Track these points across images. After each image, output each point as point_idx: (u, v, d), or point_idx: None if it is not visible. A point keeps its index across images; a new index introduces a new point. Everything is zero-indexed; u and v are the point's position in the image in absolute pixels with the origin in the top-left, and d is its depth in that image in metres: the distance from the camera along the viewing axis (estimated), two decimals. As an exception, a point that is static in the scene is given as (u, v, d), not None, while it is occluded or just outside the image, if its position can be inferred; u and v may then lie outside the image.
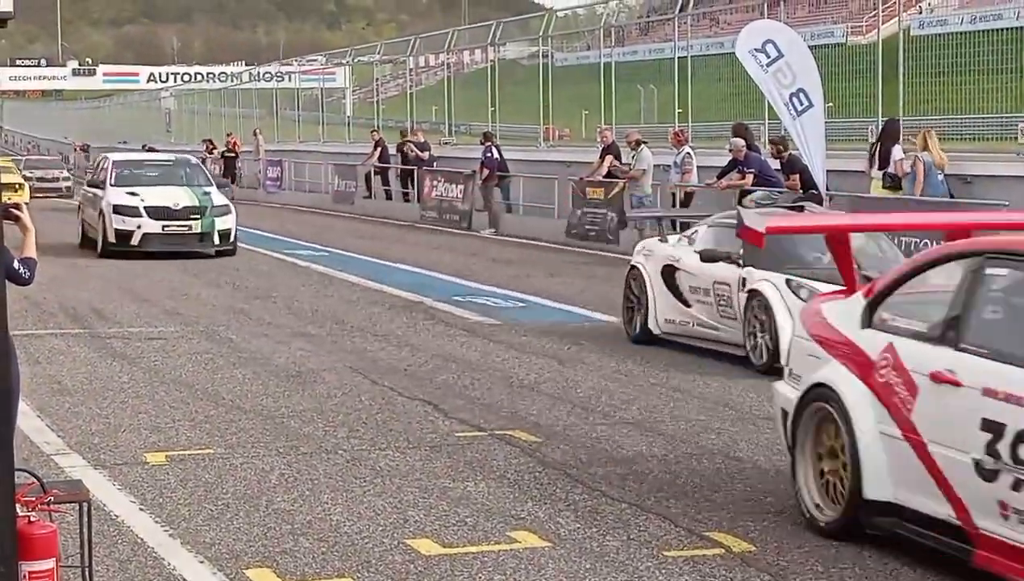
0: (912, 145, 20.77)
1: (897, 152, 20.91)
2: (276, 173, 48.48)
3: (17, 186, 42.68)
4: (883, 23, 24.09)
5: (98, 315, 17.57)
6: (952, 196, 19.86)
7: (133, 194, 25.64)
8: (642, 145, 25.04)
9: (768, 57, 21.48)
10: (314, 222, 35.07)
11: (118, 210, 25.29)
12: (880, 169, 20.90)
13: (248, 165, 52.23)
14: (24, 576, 5.90)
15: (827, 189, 21.38)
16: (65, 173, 55.85)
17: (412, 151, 35.86)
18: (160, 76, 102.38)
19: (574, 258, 24.64)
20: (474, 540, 7.73)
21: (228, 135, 53.80)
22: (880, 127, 21.93)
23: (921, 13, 27.53)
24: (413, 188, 35.60)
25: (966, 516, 6.83)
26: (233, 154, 52.75)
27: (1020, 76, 20.85)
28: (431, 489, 8.82)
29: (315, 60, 59.74)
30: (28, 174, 49.91)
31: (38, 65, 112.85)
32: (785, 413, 8.15)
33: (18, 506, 6.00)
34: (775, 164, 22.88)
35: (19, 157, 66.48)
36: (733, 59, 22.55)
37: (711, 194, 24.66)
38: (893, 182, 20.63)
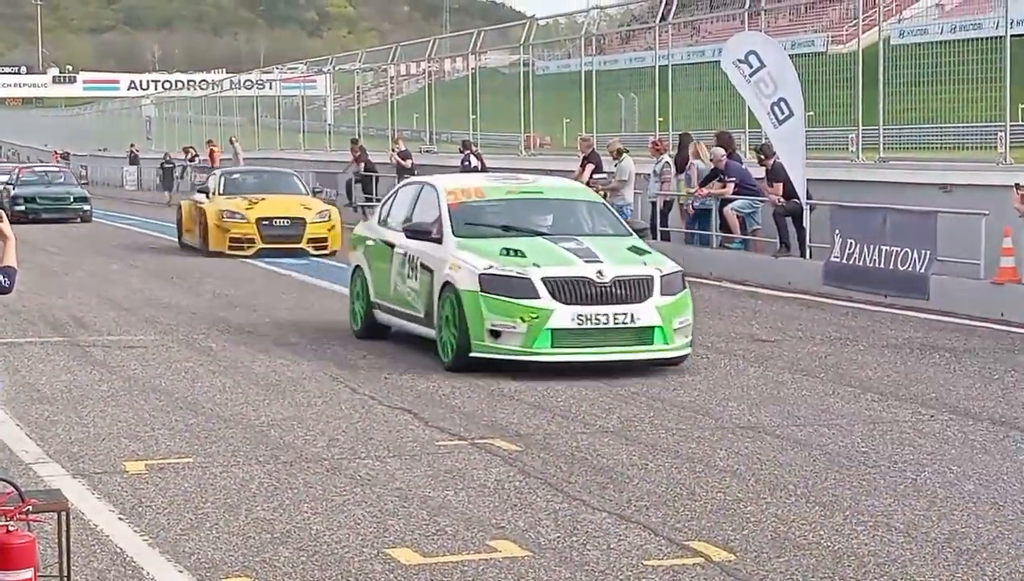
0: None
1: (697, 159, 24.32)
2: (257, 181, 48.39)
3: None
4: (863, 32, 24.08)
5: (78, 323, 17.53)
6: None
7: None
8: (624, 154, 25.06)
9: (751, 67, 21.67)
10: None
11: None
12: (679, 172, 24.73)
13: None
14: (2, 586, 5.88)
15: (808, 197, 21.48)
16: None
17: (394, 159, 35.92)
18: (141, 84, 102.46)
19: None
20: (454, 549, 7.72)
21: (208, 142, 53.77)
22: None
23: (901, 22, 27.51)
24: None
25: None
26: (171, 165, 52.88)
27: (1000, 85, 20.86)
28: (411, 498, 8.81)
29: (296, 68, 59.66)
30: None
31: (18, 72, 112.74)
32: None
33: (-4, 516, 5.98)
34: (760, 172, 22.94)
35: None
36: (714, 68, 22.62)
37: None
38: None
